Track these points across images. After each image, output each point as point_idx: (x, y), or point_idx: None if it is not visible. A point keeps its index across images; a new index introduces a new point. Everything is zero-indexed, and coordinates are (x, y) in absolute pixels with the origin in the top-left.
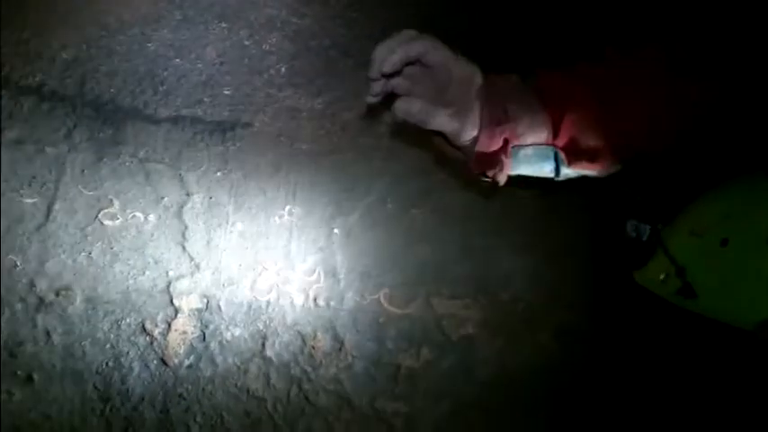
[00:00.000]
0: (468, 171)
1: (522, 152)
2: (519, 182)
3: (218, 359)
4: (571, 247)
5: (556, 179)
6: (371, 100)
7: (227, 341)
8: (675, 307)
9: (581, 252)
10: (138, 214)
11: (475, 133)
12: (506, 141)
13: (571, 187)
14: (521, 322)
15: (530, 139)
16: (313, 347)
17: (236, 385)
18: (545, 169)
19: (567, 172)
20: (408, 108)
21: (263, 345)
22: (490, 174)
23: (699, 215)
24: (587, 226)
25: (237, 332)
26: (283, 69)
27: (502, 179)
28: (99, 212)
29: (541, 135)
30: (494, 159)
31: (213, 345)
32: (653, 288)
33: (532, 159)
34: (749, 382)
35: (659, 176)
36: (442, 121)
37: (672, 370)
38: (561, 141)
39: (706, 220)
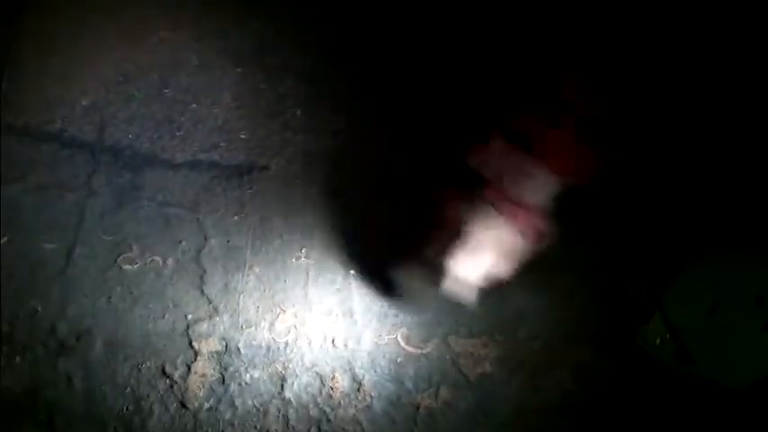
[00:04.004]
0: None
1: None
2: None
3: (238, 401)
4: (586, 283)
5: None
6: None
7: (246, 383)
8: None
9: (595, 289)
10: (156, 258)
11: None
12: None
13: (584, 224)
14: (538, 360)
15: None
16: (332, 388)
17: (255, 427)
18: None
19: None
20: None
21: (282, 386)
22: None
23: (691, 281)
24: (600, 264)
25: (256, 374)
26: (298, 113)
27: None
28: (118, 257)
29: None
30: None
31: (233, 387)
32: (652, 351)
33: None
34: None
35: (660, 241)
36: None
37: (694, 406)
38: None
39: (697, 285)
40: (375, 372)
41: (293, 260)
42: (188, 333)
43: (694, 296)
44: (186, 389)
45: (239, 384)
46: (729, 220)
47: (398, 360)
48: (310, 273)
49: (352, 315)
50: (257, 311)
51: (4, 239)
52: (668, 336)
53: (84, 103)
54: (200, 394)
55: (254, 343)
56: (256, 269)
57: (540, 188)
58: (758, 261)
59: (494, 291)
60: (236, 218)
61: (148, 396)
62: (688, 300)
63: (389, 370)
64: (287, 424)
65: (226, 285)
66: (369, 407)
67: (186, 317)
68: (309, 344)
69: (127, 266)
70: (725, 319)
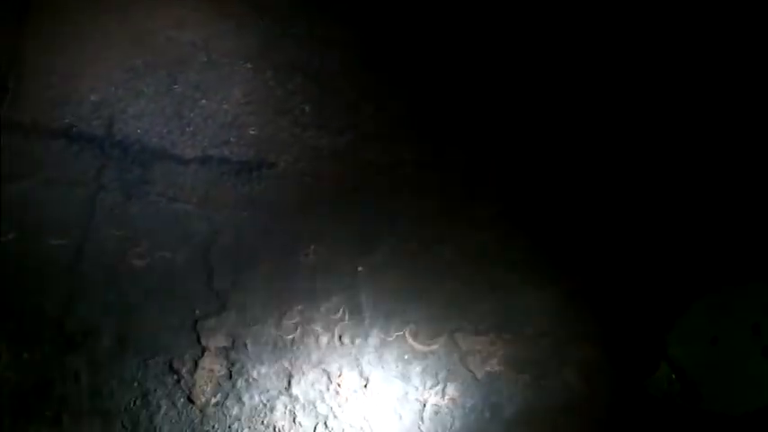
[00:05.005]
0: None
1: None
2: (539, 226)
3: (245, 397)
4: (592, 283)
5: None
6: None
7: (253, 379)
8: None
9: (601, 288)
10: (165, 254)
11: None
12: None
13: (591, 231)
14: (545, 358)
15: None
16: (339, 385)
17: (262, 423)
18: None
19: None
20: None
21: (289, 382)
22: None
23: (690, 319)
24: (606, 264)
25: (264, 370)
26: (307, 109)
27: None
28: (127, 252)
29: None
30: None
31: (240, 383)
32: (661, 394)
33: None
34: None
35: (660, 287)
36: None
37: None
38: None
39: (696, 321)
40: (382, 368)
41: (301, 257)
42: (196, 329)
43: (694, 331)
44: (194, 384)
45: (246, 380)
46: (720, 259)
47: (406, 357)
48: (318, 269)
49: (359, 312)
50: (265, 308)
51: (13, 235)
52: (673, 376)
53: (92, 99)
54: (208, 390)
55: (262, 339)
56: (265, 266)
57: None
58: (752, 292)
59: (501, 288)
60: (245, 214)
61: (156, 391)
62: (689, 336)
63: (397, 367)
64: (294, 420)
65: (234, 282)
66: (376, 403)
67: (194, 312)
68: (317, 340)
69: (136, 262)
70: (726, 349)
